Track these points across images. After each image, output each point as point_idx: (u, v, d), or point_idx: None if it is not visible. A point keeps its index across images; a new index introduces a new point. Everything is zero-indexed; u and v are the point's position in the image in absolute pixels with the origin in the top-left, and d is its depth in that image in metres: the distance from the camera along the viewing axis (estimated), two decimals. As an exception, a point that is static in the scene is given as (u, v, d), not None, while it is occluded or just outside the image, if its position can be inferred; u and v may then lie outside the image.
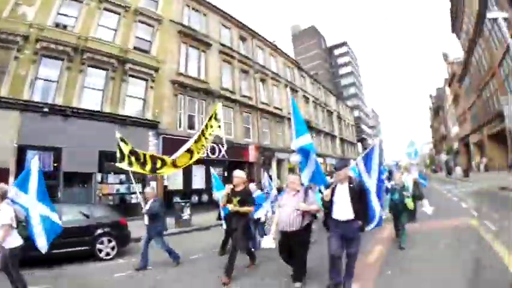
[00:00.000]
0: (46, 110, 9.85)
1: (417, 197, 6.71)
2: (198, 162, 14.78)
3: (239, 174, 5.12)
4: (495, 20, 14.62)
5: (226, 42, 19.68)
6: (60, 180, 9.96)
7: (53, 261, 5.89)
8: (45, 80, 10.50)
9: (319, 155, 28.60)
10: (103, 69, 12.05)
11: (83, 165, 10.49)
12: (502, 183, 14.38)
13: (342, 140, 39.29)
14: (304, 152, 4.75)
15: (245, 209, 4.81)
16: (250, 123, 20.24)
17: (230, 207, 4.82)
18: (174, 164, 6.18)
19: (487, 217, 7.73)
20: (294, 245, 4.20)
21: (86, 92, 11.38)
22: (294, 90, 27.32)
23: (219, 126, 6.23)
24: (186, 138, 14.34)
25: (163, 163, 6.14)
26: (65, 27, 11.41)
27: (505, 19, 14.21)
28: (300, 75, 29.99)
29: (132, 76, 13.06)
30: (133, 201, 11.79)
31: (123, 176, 11.81)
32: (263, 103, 22.13)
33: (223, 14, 19.98)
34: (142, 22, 14.16)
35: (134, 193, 12.05)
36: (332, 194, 3.89)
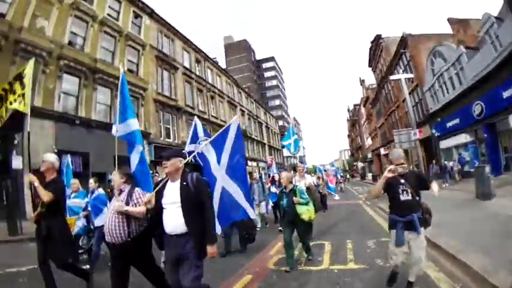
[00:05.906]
0: (77, 122, 11.86)
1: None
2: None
3: (48, 158, 3.65)
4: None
5: (187, 65, 23.09)
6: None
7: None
8: (66, 93, 12.43)
9: (253, 160, 34.02)
10: (109, 88, 14.34)
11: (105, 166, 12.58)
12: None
13: (270, 147, 45.81)
14: (131, 142, 3.66)
15: (47, 194, 3.29)
16: (206, 133, 23.89)
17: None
18: None
19: (369, 201, 13.33)
20: (128, 262, 2.97)
21: (98, 106, 13.58)
22: (233, 105, 32.09)
23: (22, 96, 3.96)
24: (169, 146, 17.50)
25: None
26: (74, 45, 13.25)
27: (408, 78, 20.11)
28: (238, 92, 35.02)
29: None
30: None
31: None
32: (213, 116, 26.13)
33: (185, 39, 23.35)
34: (132, 47, 16.66)
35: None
36: (161, 196, 2.68)
